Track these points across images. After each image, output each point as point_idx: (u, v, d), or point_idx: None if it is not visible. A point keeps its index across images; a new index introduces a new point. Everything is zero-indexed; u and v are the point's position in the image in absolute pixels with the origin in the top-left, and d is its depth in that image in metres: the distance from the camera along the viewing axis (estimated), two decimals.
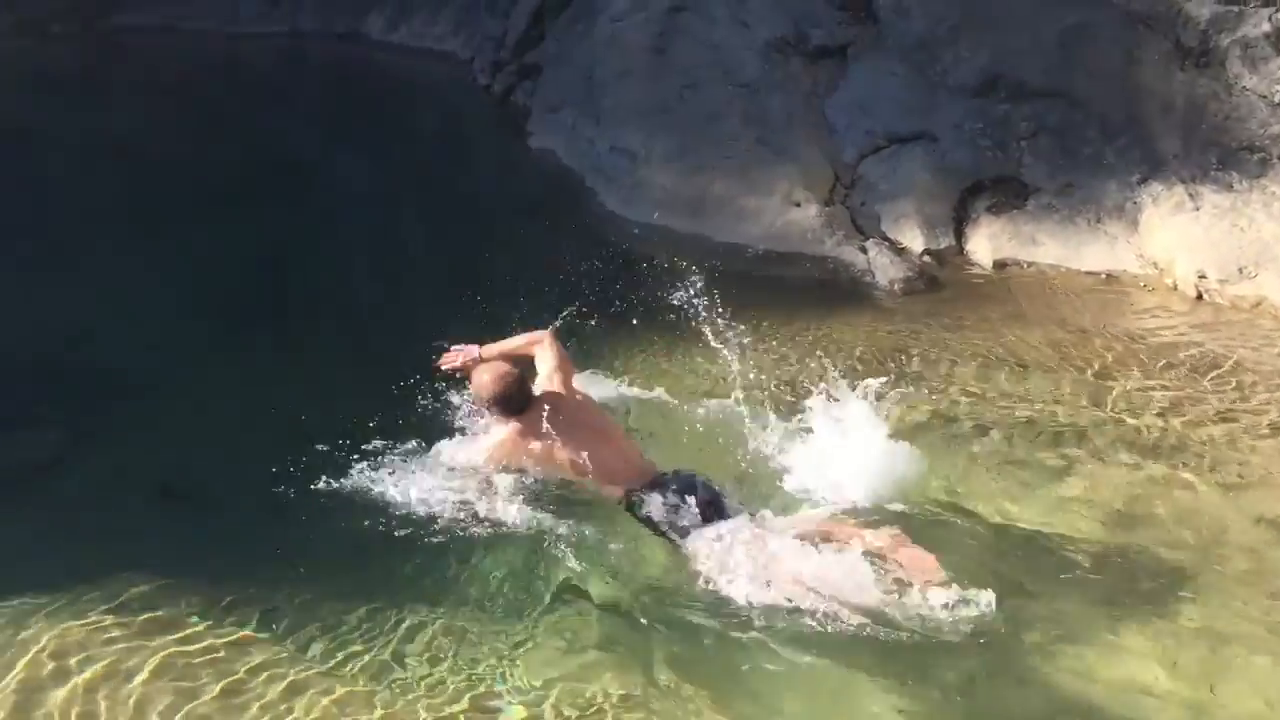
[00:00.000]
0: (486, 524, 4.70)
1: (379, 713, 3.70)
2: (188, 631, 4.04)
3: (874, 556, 4.37)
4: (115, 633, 4.00)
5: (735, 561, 4.36)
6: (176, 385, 6.05)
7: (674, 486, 4.73)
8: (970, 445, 5.57)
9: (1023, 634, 4.14)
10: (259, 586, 4.38)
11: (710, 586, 4.35)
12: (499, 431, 5.05)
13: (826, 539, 4.50)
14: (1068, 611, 4.28)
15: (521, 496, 4.85)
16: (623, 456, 5.00)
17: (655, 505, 4.69)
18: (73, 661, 3.80)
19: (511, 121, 12.84)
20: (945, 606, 4.14)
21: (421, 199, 11.01)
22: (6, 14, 19.19)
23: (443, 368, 5.43)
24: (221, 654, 3.92)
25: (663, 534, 4.65)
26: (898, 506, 4.82)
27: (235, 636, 4.04)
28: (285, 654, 3.98)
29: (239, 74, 17.93)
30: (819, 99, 10.03)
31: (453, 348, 5.43)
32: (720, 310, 6.93)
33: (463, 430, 5.37)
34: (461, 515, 4.75)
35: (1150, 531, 4.87)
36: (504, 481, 4.90)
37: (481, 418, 5.29)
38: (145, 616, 4.10)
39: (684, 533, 4.59)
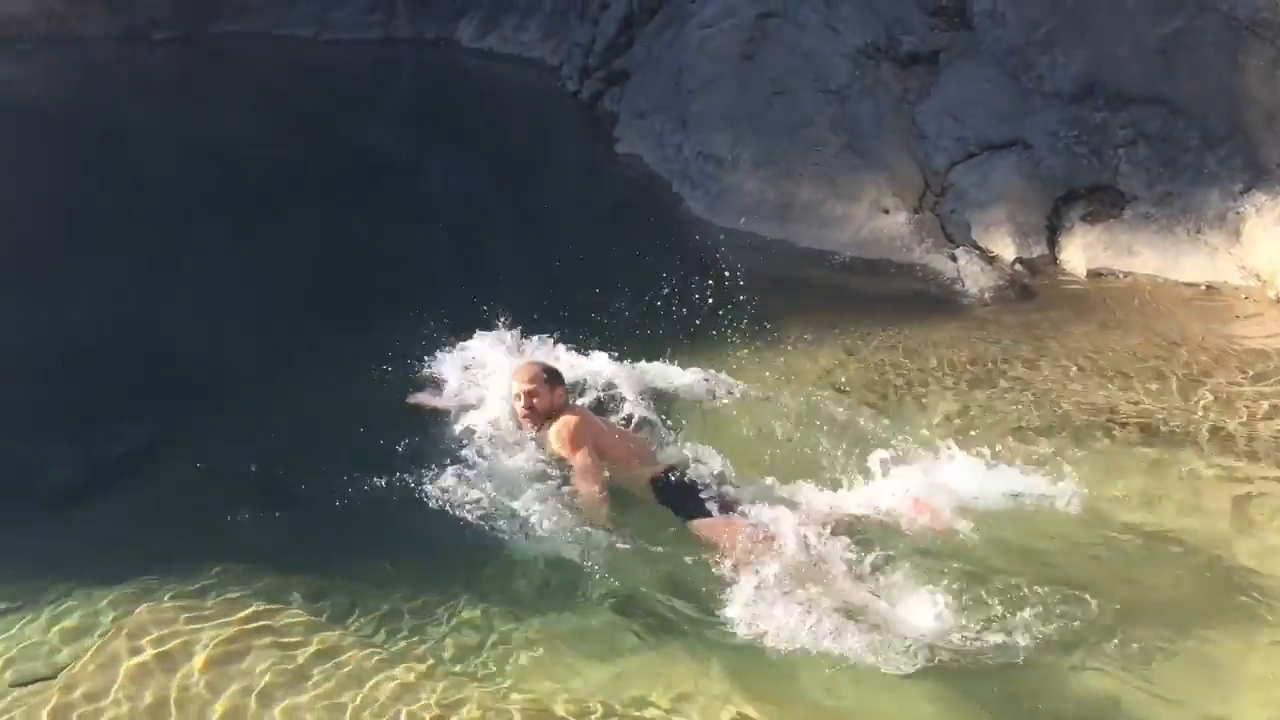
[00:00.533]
0: (546, 523, 4.73)
1: (434, 697, 3.72)
2: (250, 612, 4.11)
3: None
4: (191, 615, 4.07)
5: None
6: (264, 379, 6.16)
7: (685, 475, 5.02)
8: (1064, 453, 5.44)
9: (1122, 633, 4.06)
10: (330, 575, 4.46)
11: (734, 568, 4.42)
12: (566, 418, 5.25)
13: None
14: (1164, 617, 4.19)
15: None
16: (646, 445, 5.34)
17: (674, 489, 4.94)
18: (145, 641, 3.87)
19: (599, 127, 12.91)
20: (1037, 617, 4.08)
21: (508, 203, 11.11)
22: (114, 22, 19.85)
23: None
24: (289, 638, 3.98)
25: (687, 512, 4.85)
26: (990, 512, 4.74)
27: (301, 620, 4.09)
28: (349, 640, 4.03)
29: (332, 79, 18.28)
30: (909, 105, 9.93)
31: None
32: (805, 316, 6.97)
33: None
34: (524, 513, 4.81)
35: (1253, 542, 4.74)
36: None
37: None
38: (219, 600, 4.19)
39: (707, 511, 4.81)
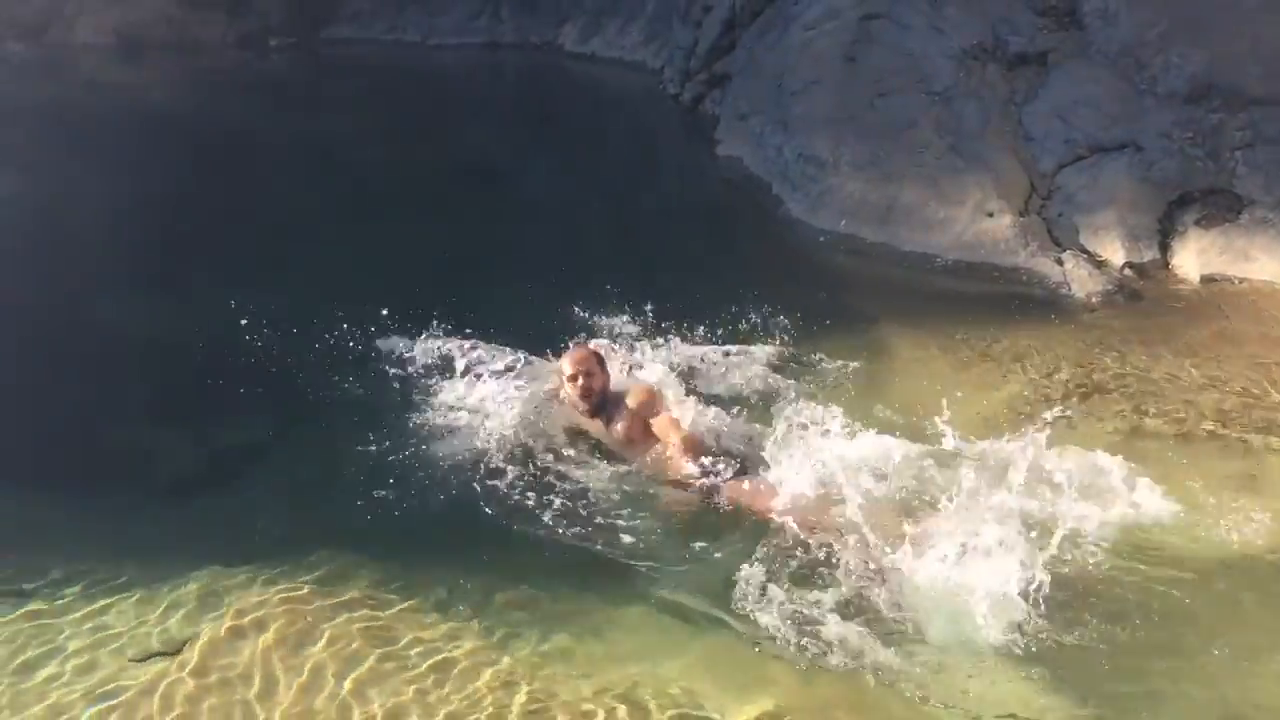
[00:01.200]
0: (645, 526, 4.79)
1: (524, 689, 3.78)
2: (356, 598, 4.24)
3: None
4: (301, 600, 4.20)
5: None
6: (371, 375, 6.32)
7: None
8: (1171, 463, 5.31)
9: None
10: (430, 567, 4.56)
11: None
12: (638, 386, 5.59)
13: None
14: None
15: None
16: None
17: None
18: (256, 623, 4.01)
19: (700, 129, 12.96)
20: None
21: (609, 204, 11.22)
22: (232, 29, 20.57)
23: None
24: (393, 627, 4.08)
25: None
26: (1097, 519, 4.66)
27: (398, 610, 4.19)
28: (450, 629, 4.12)
29: (439, 83, 18.65)
30: (1016, 107, 9.76)
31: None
32: (905, 319, 6.91)
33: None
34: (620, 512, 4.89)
35: None
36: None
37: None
38: (327, 586, 4.32)
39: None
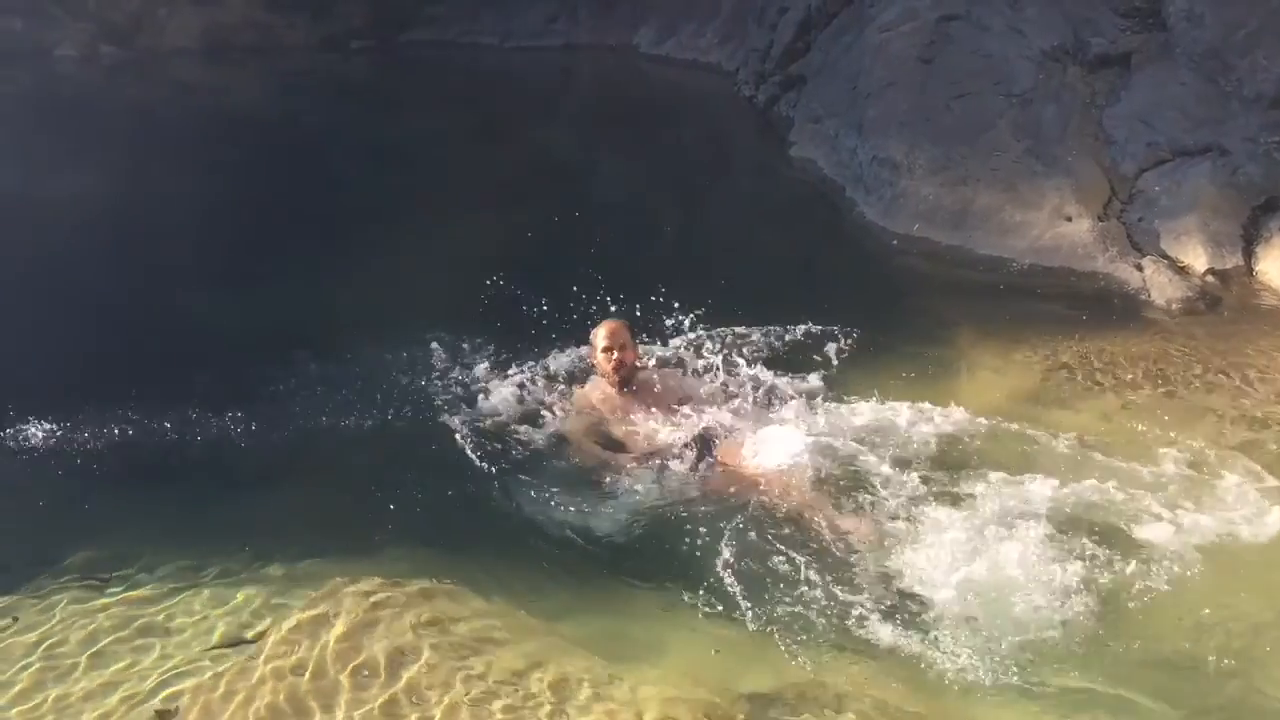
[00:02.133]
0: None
1: (586, 690, 3.82)
2: (431, 589, 4.31)
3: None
4: (378, 591, 4.25)
5: None
6: (450, 373, 6.43)
7: None
8: (1262, 475, 5.20)
9: None
10: (513, 561, 4.63)
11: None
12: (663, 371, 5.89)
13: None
14: None
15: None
16: None
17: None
18: (335, 613, 4.07)
19: (773, 131, 12.94)
20: None
21: (683, 206, 11.25)
22: (314, 32, 20.96)
23: None
24: (471, 620, 4.15)
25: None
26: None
27: (463, 605, 4.25)
28: (527, 623, 4.17)
29: (515, 84, 18.82)
30: (1097, 110, 9.59)
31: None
32: (979, 324, 6.83)
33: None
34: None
35: None
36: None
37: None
38: (404, 579, 4.40)
39: None
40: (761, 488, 5.05)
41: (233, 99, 17.46)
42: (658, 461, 5.34)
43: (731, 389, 5.95)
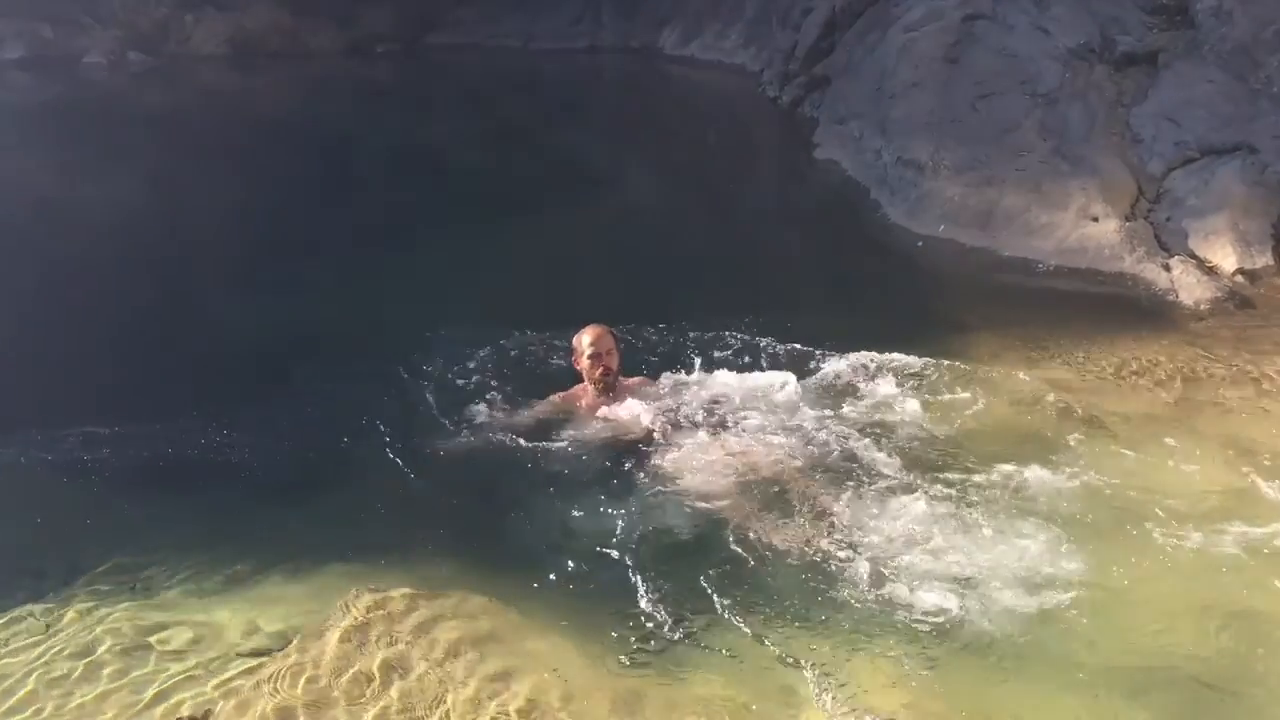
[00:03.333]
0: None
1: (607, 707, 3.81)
2: (460, 602, 4.30)
3: None
4: (405, 599, 4.25)
5: None
6: (478, 376, 6.44)
7: None
8: None
9: None
10: (544, 570, 4.61)
11: None
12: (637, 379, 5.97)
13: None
14: None
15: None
16: None
17: None
18: (363, 621, 4.09)
19: (798, 132, 12.93)
20: None
21: (707, 207, 11.26)
22: (340, 37, 21.13)
23: None
24: (501, 632, 4.15)
25: None
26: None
27: (491, 613, 4.23)
28: (555, 636, 4.16)
29: (540, 86, 18.90)
30: (1124, 109, 9.52)
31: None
32: (1004, 326, 6.78)
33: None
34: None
35: None
36: None
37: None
38: (434, 586, 4.41)
39: None
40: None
41: (259, 104, 17.60)
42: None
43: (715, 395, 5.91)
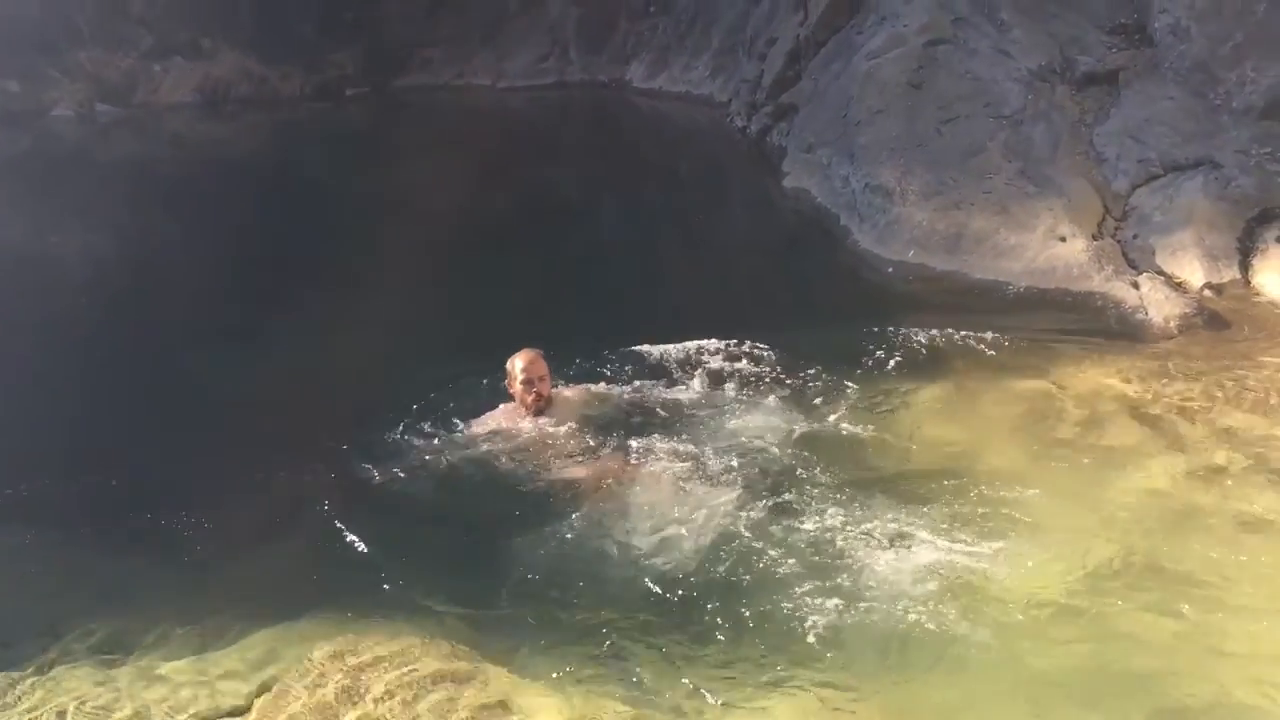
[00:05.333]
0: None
1: None
2: (422, 650, 4.24)
3: None
4: (368, 652, 4.19)
5: None
6: (439, 421, 6.38)
7: None
8: (1256, 494, 5.12)
9: None
10: (501, 620, 4.56)
11: None
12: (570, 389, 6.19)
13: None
14: None
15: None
16: None
17: None
18: (325, 676, 4.03)
19: (767, 161, 12.98)
20: None
21: (677, 239, 11.28)
22: (309, 82, 21.16)
23: None
24: (462, 679, 4.08)
25: None
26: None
27: (477, 666, 4.18)
28: (520, 684, 4.10)
29: (510, 124, 18.94)
30: (1087, 128, 9.59)
31: None
32: (975, 350, 6.77)
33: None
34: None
35: None
36: None
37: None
38: (395, 637, 4.35)
39: None
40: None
41: (228, 151, 17.59)
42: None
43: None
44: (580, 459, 5.61)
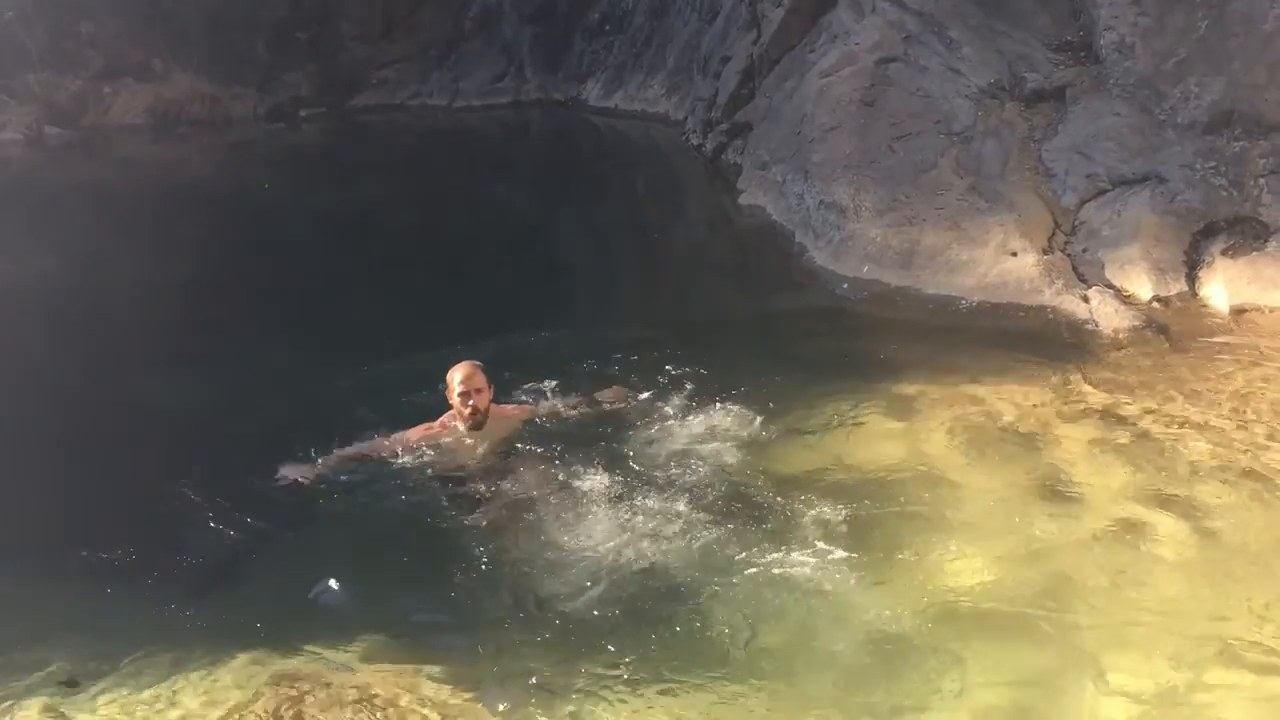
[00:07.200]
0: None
1: None
2: (384, 684, 4.21)
3: None
4: (324, 686, 4.16)
5: None
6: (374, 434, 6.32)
7: None
8: (1211, 512, 5.16)
9: None
10: (475, 649, 4.52)
11: None
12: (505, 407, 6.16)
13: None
14: None
15: None
16: None
17: None
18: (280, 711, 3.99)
19: (723, 179, 13.04)
20: None
21: (634, 257, 11.29)
22: (262, 103, 21.00)
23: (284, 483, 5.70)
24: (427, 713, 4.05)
25: None
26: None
27: (443, 699, 4.15)
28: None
29: (466, 144, 18.90)
30: (1036, 144, 9.70)
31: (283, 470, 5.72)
32: (927, 365, 6.81)
33: None
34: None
35: None
36: None
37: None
38: (351, 672, 4.31)
39: None
40: None
41: (180, 173, 17.42)
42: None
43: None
44: (509, 476, 5.62)
